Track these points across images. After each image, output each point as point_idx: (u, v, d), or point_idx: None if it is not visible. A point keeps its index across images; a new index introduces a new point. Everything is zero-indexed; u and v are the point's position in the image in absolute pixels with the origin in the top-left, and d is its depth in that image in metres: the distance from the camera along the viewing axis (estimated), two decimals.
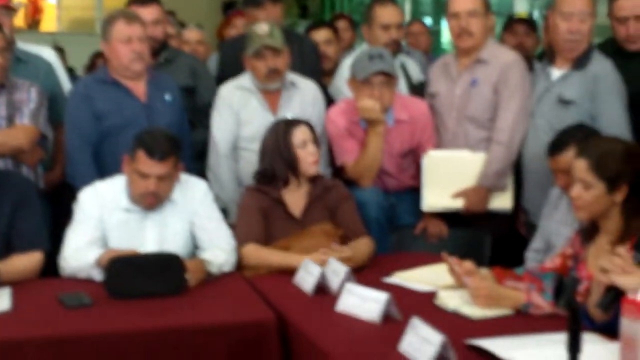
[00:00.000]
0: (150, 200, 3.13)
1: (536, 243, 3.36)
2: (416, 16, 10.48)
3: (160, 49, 4.22)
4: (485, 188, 3.78)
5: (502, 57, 3.85)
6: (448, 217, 3.88)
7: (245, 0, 4.52)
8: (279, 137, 3.35)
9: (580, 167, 2.59)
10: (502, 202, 3.82)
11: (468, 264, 2.74)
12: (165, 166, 3.08)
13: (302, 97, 3.93)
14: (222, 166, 3.88)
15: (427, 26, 5.92)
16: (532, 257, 3.33)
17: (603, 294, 2.10)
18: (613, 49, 3.95)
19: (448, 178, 3.79)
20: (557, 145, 3.20)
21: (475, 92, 3.84)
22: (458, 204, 3.80)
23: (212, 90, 4.14)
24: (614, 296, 2.04)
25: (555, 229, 3.24)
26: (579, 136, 3.13)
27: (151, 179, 3.08)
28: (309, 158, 3.32)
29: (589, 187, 2.56)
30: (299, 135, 3.34)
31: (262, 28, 3.81)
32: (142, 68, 3.72)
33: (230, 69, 4.29)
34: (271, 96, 3.89)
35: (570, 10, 3.67)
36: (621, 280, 2.02)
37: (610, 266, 2.07)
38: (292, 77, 3.95)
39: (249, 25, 4.22)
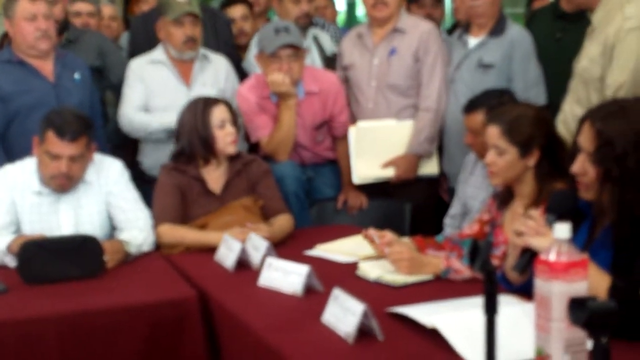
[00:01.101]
0: (62, 181, 3.04)
1: (454, 209, 3.43)
2: None
3: (61, 29, 4.08)
4: (414, 155, 3.84)
5: (419, 27, 3.91)
6: (368, 187, 3.91)
7: None
8: (197, 117, 3.29)
9: (493, 133, 2.65)
10: (430, 168, 3.90)
11: (388, 235, 2.76)
12: (76, 146, 3.00)
13: (215, 70, 3.92)
14: (137, 119, 3.84)
15: None
16: (449, 223, 3.39)
17: (519, 256, 2.14)
18: (556, 12, 4.05)
19: (377, 148, 3.82)
20: (469, 105, 3.27)
21: (395, 61, 3.87)
22: (389, 173, 3.85)
23: (124, 67, 4.06)
24: (529, 258, 2.08)
25: (472, 194, 3.31)
26: (492, 100, 3.20)
27: (62, 160, 2.99)
28: (227, 138, 3.28)
29: (503, 153, 2.62)
30: (218, 114, 3.29)
31: None
32: (48, 46, 3.60)
33: (140, 45, 4.20)
34: (184, 67, 3.86)
35: None
36: (535, 242, 2.06)
37: (524, 228, 2.10)
38: (204, 51, 3.93)
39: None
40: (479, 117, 3.13)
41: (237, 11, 4.71)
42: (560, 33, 3.89)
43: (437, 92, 3.80)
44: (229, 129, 3.29)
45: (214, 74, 3.90)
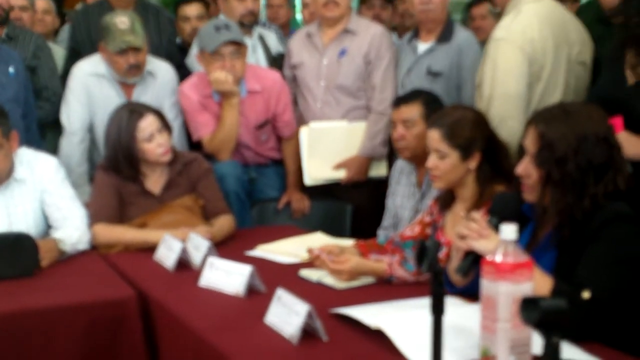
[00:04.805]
0: None
1: (386, 221, 3.43)
2: None
3: (3, 21, 3.97)
4: (367, 157, 3.84)
5: (370, 29, 3.92)
6: (311, 188, 3.90)
7: None
8: (120, 131, 3.16)
9: (434, 137, 2.66)
10: (380, 170, 3.90)
11: (333, 249, 2.69)
12: None
13: (157, 85, 3.79)
14: (73, 150, 3.75)
15: None
16: (382, 234, 3.39)
17: (462, 259, 2.15)
18: (597, 15, 3.65)
19: (328, 149, 3.81)
20: (407, 96, 3.31)
21: (345, 62, 3.87)
22: (340, 174, 3.84)
23: (51, 73, 4.03)
24: (473, 260, 2.09)
25: (400, 203, 3.33)
26: (428, 96, 3.26)
27: None
28: (158, 150, 3.17)
29: (444, 157, 2.64)
30: (145, 127, 3.15)
31: (122, 21, 3.61)
32: None
33: (82, 41, 4.12)
34: (127, 85, 3.76)
35: None
36: (478, 245, 2.07)
37: (467, 232, 2.11)
38: (151, 65, 3.79)
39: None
40: (415, 108, 3.18)
41: (192, 10, 4.65)
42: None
43: (392, 95, 3.79)
44: (159, 139, 3.17)
45: (156, 91, 3.77)
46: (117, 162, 3.19)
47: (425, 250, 1.72)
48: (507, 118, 3.08)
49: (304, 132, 3.82)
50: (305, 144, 3.81)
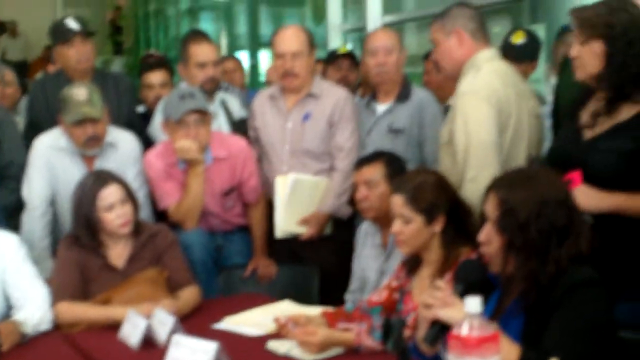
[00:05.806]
0: None
1: (352, 285, 3.41)
2: (233, 50, 10.62)
3: None
4: (328, 214, 3.82)
5: (333, 92, 3.93)
6: (278, 252, 3.85)
7: (53, 36, 4.23)
8: (83, 197, 3.16)
9: (397, 202, 2.67)
10: (326, 228, 3.88)
11: (300, 318, 2.69)
12: None
13: (118, 155, 3.74)
14: (35, 224, 3.69)
15: (240, 62, 5.97)
16: (350, 298, 3.36)
17: (428, 328, 2.13)
18: None
19: (301, 202, 3.77)
20: (368, 157, 3.33)
21: (310, 126, 3.86)
22: (302, 229, 3.81)
23: (16, 147, 3.93)
24: (439, 329, 2.07)
25: (366, 264, 3.31)
26: (389, 156, 3.29)
27: None
28: (116, 221, 3.14)
29: (409, 222, 2.64)
30: (106, 197, 3.13)
31: (79, 93, 3.58)
32: None
33: (39, 112, 4.09)
34: (88, 157, 3.72)
35: (374, 46, 3.89)
36: (443, 314, 2.05)
37: (432, 300, 2.09)
38: (112, 135, 3.74)
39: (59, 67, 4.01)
40: (377, 168, 3.20)
41: (156, 77, 4.63)
42: None
43: (356, 156, 3.75)
44: (119, 210, 3.14)
45: (118, 162, 3.69)
46: (78, 231, 3.15)
47: (391, 328, 1.70)
48: (486, 166, 3.07)
49: (283, 182, 3.76)
50: (287, 193, 3.74)
